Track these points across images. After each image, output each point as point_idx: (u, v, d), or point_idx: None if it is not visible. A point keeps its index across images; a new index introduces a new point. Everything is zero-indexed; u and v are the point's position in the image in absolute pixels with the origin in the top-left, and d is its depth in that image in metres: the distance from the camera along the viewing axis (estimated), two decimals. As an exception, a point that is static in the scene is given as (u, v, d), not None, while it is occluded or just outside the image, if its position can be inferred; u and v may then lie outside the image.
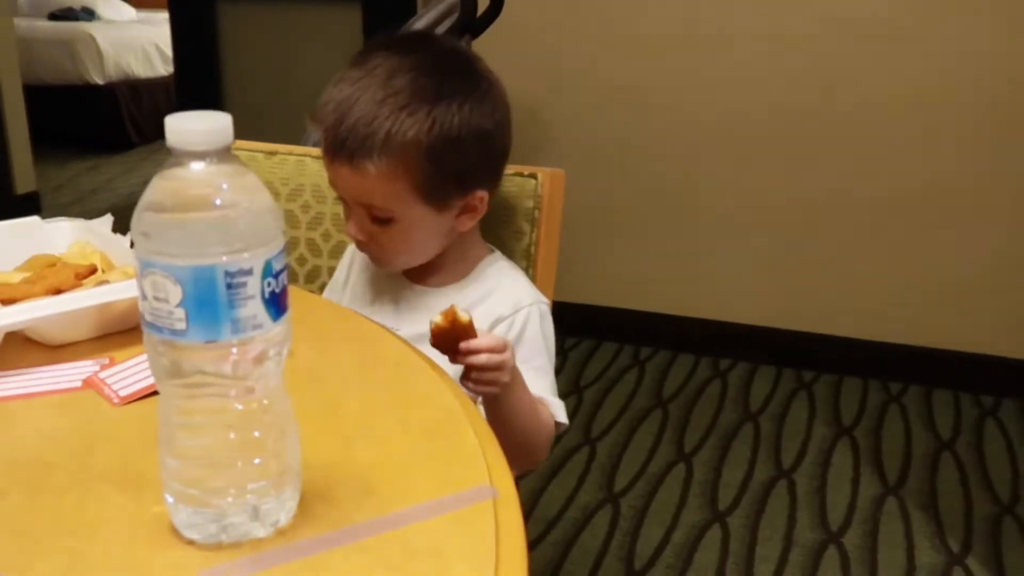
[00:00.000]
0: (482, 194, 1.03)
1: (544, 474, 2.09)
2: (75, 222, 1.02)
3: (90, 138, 5.43)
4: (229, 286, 0.52)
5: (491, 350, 0.88)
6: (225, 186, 0.52)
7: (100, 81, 5.49)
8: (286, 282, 0.55)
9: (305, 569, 0.54)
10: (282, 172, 1.34)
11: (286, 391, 0.58)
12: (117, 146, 5.40)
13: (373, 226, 1.01)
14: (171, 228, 0.52)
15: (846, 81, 2.40)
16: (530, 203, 1.18)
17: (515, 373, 0.93)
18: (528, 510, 1.95)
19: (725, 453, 2.18)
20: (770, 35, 2.44)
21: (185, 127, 0.52)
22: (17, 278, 0.90)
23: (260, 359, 0.54)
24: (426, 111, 0.96)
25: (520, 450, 1.01)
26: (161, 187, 0.52)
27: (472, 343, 0.87)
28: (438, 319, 0.85)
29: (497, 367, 0.89)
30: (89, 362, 0.80)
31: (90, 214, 1.05)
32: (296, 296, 1.06)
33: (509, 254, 1.17)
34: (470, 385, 0.89)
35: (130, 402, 0.73)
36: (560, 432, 1.05)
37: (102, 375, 0.77)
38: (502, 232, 1.18)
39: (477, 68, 1.04)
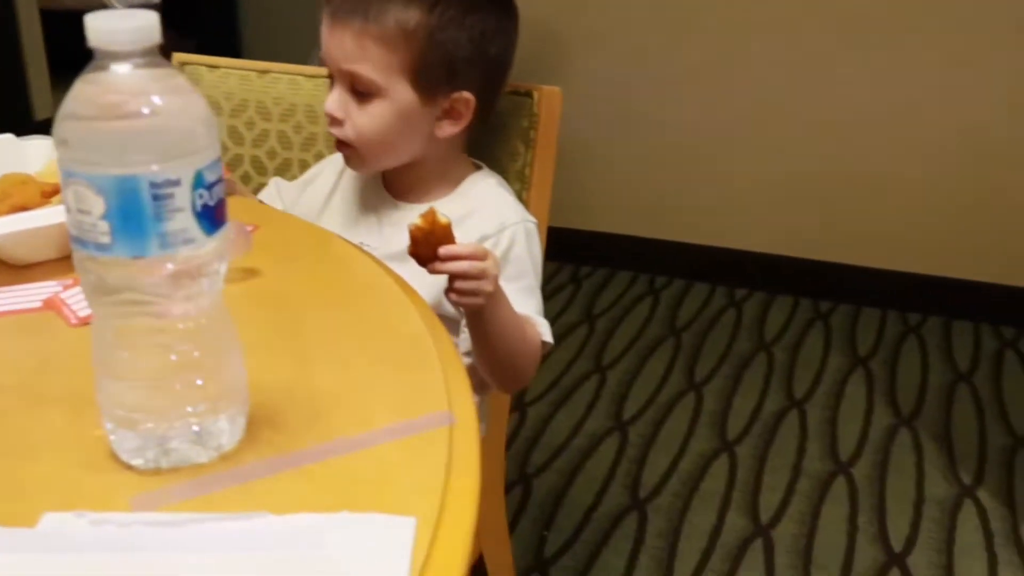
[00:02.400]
0: (468, 96, 1.02)
1: (553, 402, 2.07)
2: (51, 139, 0.98)
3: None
4: (155, 198, 0.49)
5: (472, 256, 0.86)
6: (151, 90, 0.49)
7: (119, 5, 5.43)
8: (222, 195, 0.52)
9: (245, 495, 0.52)
10: (275, 91, 1.30)
11: (226, 310, 0.55)
12: (137, 70, 5.35)
13: (352, 103, 1.01)
14: (91, 135, 0.49)
15: (873, -1, 2.31)
16: (525, 122, 1.13)
17: (499, 289, 0.91)
18: (535, 437, 1.95)
19: (737, 383, 2.15)
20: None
21: (107, 26, 0.48)
22: (-15, 196, 0.88)
23: (194, 276, 0.51)
24: None
25: (506, 368, 1.00)
26: (82, 91, 0.49)
27: (452, 248, 0.84)
28: (417, 221, 0.83)
29: (479, 275, 0.86)
30: (52, 282, 0.78)
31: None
32: (269, 214, 1.03)
33: (503, 174, 1.13)
34: (453, 297, 0.87)
35: (87, 323, 0.71)
36: (546, 352, 1.03)
37: (63, 295, 0.75)
38: (497, 152, 1.15)
39: None
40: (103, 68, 0.49)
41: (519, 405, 2.05)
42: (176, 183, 0.49)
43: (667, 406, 2.06)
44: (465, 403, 0.61)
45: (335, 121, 1.03)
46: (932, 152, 2.37)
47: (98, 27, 0.48)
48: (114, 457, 0.55)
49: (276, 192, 1.19)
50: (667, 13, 2.49)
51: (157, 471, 0.54)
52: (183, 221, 0.50)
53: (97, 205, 0.48)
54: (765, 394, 2.11)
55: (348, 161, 1.07)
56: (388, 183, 1.12)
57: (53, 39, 4.33)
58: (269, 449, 0.56)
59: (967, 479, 1.81)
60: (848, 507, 1.73)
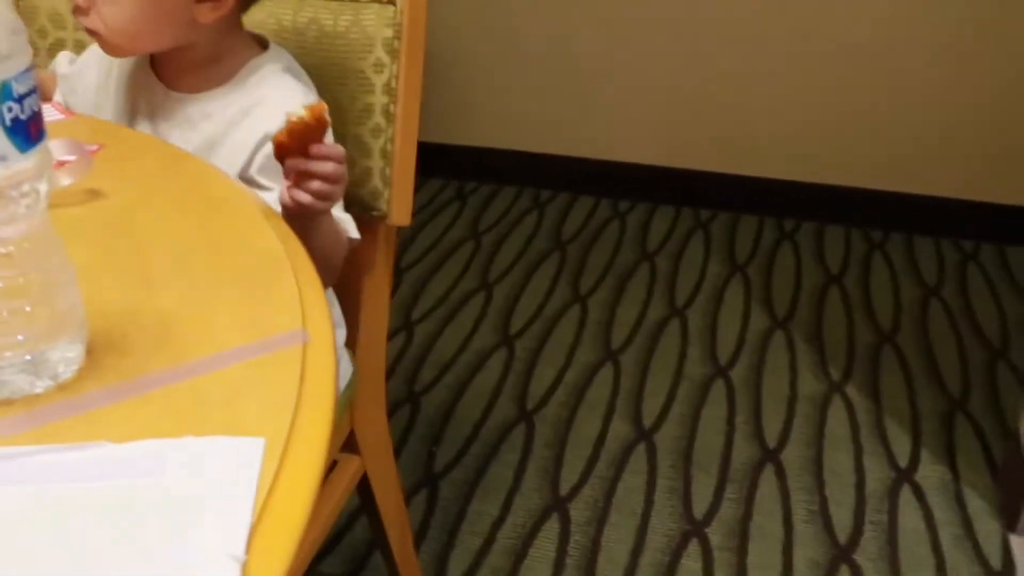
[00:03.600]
0: None
1: (439, 318, 2.07)
2: None
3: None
4: (-43, 112, 0.45)
5: (339, 159, 0.82)
6: (-58, -7, 0.45)
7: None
8: (37, 107, 0.48)
9: (84, 424, 0.50)
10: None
11: (54, 232, 0.52)
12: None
13: None
14: None
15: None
16: (389, 32, 1.09)
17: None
18: (423, 355, 1.95)
19: (620, 294, 2.19)
20: None
21: None
22: None
23: (10, 196, 0.48)
24: None
25: (323, 267, 0.96)
26: None
27: (324, 148, 0.80)
28: (301, 112, 0.77)
29: (338, 179, 0.83)
30: None
31: None
32: (114, 132, 0.98)
33: (369, 88, 1.10)
34: (304, 197, 0.81)
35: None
36: (352, 247, 1.00)
37: None
38: (361, 64, 1.10)
39: None
40: None
41: (406, 323, 2.05)
42: (-20, 95, 0.45)
43: (553, 319, 2.08)
44: (321, 320, 0.60)
45: (79, 9, 0.93)
46: (801, 58, 2.41)
47: None
48: (-60, 391, 0.52)
49: (66, 65, 1.11)
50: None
51: (-12, 404, 0.51)
52: (-8, 137, 0.46)
53: None
54: (648, 303, 2.15)
55: (103, 49, 0.98)
56: (157, 69, 1.03)
57: None
58: (112, 376, 0.53)
59: (836, 376, 1.89)
60: (726, 408, 1.80)
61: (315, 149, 0.80)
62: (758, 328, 2.06)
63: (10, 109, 0.46)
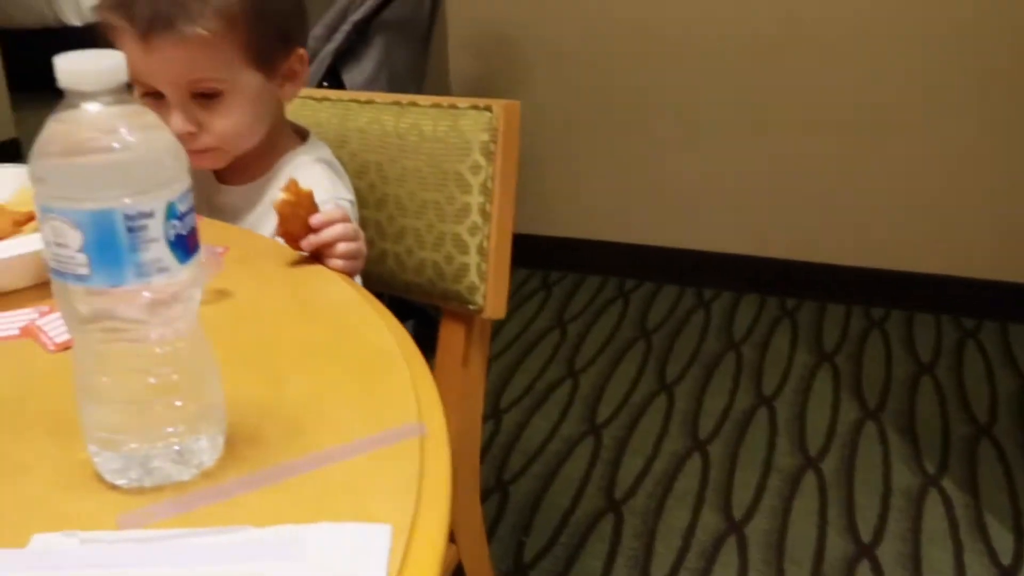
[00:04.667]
0: (302, 52, 1.03)
1: (527, 407, 2.10)
2: (19, 168, 1.00)
3: (70, 82, 5.36)
4: (130, 229, 0.51)
5: (342, 218, 0.87)
6: (120, 127, 0.51)
7: (78, 23, 5.39)
8: (194, 223, 0.54)
9: (227, 510, 0.54)
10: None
11: (203, 332, 0.57)
12: (99, 89, 5.34)
13: (199, 110, 0.98)
14: (66, 172, 0.51)
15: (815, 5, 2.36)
16: (486, 136, 1.16)
17: None
18: (511, 443, 1.97)
19: (707, 382, 2.19)
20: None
21: (76, 67, 0.50)
22: (-41, 226, 0.89)
23: (169, 302, 0.53)
24: None
25: None
26: (54, 130, 0.51)
27: (323, 215, 0.85)
28: (283, 195, 0.83)
29: (355, 235, 0.88)
30: (28, 310, 0.80)
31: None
32: (237, 234, 1.05)
33: (467, 189, 1.16)
34: (338, 264, 0.87)
35: (66, 349, 0.73)
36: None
37: (39, 322, 0.77)
38: (459, 167, 1.17)
39: None
40: (74, 106, 0.51)
41: (494, 412, 2.08)
42: (149, 215, 0.51)
43: (640, 408, 2.09)
44: (435, 414, 0.64)
45: (189, 136, 0.99)
46: (892, 151, 2.43)
47: (68, 69, 0.50)
48: (99, 478, 0.57)
49: None
50: (624, 25, 2.53)
51: (141, 490, 0.56)
52: (157, 251, 0.52)
53: (75, 239, 0.50)
54: (735, 392, 2.15)
55: (211, 163, 1.04)
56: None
57: (10, 58, 4.30)
58: (248, 465, 0.58)
59: (931, 469, 1.85)
60: (818, 501, 1.78)
61: (314, 221, 0.85)
62: (848, 419, 2.03)
63: (173, 226, 0.52)
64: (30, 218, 0.88)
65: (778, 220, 2.57)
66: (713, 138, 2.56)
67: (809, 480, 1.83)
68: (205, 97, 0.97)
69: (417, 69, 2.15)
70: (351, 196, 1.07)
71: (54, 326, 0.76)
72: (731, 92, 2.50)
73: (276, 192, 0.99)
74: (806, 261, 2.57)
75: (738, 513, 1.74)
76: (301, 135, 1.12)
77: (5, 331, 0.77)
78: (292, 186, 0.84)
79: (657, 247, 2.70)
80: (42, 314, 0.79)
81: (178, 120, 0.98)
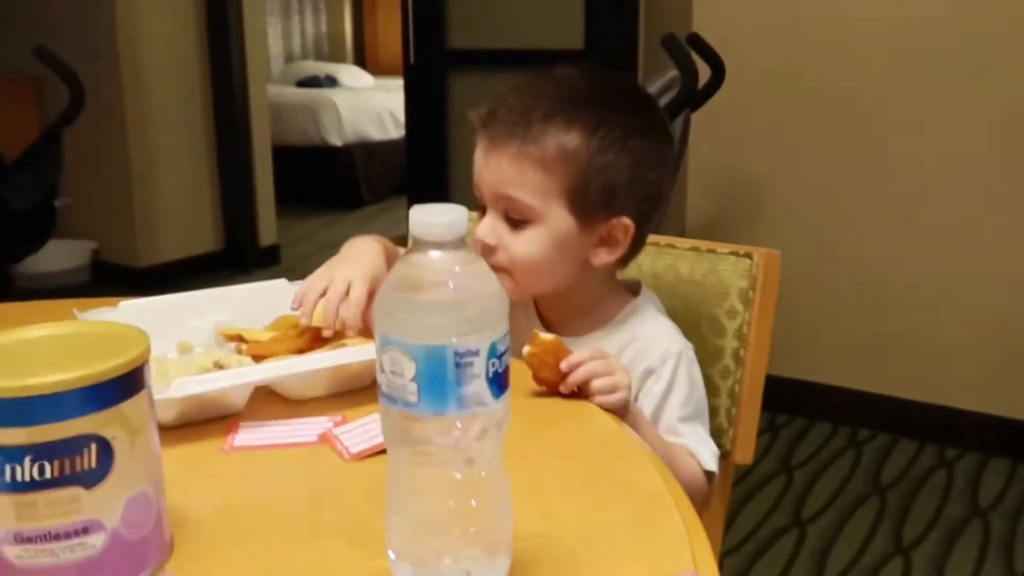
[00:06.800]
0: (628, 223, 1.02)
1: (749, 554, 2.03)
2: (280, 282, 1.10)
3: (327, 195, 5.87)
4: (458, 365, 0.56)
5: (592, 357, 0.89)
6: (458, 273, 0.57)
7: (338, 143, 5.93)
8: (508, 363, 0.59)
9: (511, 637, 0.57)
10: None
11: (503, 465, 0.61)
12: (350, 203, 5.81)
13: (506, 230, 1.01)
14: (409, 309, 0.57)
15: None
16: (744, 283, 1.17)
17: (635, 407, 0.95)
18: (730, 590, 1.91)
19: (949, 550, 2.04)
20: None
21: (428, 219, 0.57)
22: (266, 336, 1.00)
23: (481, 434, 0.58)
24: (599, 116, 0.99)
25: None
26: (404, 272, 0.58)
27: (571, 357, 0.88)
28: (529, 348, 0.87)
29: (608, 370, 0.90)
30: (324, 418, 0.87)
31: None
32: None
33: (721, 332, 1.17)
34: (598, 400, 0.89)
35: (360, 459, 0.79)
36: (710, 480, 1.02)
37: (336, 431, 0.84)
38: (715, 311, 1.19)
39: (655, 107, 1.10)
40: (422, 251, 0.57)
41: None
42: (476, 353, 0.56)
43: (872, 569, 1.97)
44: (708, 561, 0.64)
45: (488, 248, 1.01)
46: None
47: (421, 220, 0.57)
48: (394, 586, 0.61)
49: None
50: (866, 171, 2.50)
51: (432, 603, 0.60)
52: (478, 386, 0.57)
53: (409, 368, 0.56)
54: (980, 564, 1.98)
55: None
56: (542, 314, 1.12)
57: (278, 171, 4.76)
58: (529, 594, 0.61)
59: None
60: None
61: (563, 365, 0.88)
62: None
63: (493, 364, 0.57)
64: (328, 338, 0.97)
65: (1034, 380, 2.40)
66: (963, 291, 2.44)
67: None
68: (515, 220, 1.01)
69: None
70: (691, 344, 1.08)
71: (350, 436, 0.83)
72: (985, 249, 2.39)
73: (610, 345, 1.04)
74: (1066, 428, 2.37)
75: None
76: (631, 289, 1.13)
77: (304, 437, 0.84)
78: (534, 337, 0.88)
79: (896, 398, 2.57)
80: (336, 424, 0.86)
81: (484, 227, 1.01)
